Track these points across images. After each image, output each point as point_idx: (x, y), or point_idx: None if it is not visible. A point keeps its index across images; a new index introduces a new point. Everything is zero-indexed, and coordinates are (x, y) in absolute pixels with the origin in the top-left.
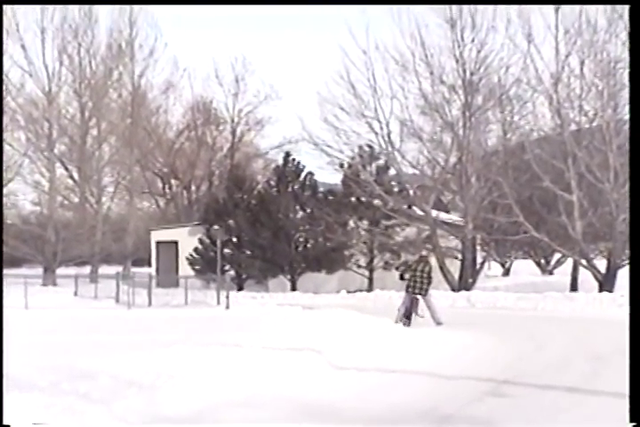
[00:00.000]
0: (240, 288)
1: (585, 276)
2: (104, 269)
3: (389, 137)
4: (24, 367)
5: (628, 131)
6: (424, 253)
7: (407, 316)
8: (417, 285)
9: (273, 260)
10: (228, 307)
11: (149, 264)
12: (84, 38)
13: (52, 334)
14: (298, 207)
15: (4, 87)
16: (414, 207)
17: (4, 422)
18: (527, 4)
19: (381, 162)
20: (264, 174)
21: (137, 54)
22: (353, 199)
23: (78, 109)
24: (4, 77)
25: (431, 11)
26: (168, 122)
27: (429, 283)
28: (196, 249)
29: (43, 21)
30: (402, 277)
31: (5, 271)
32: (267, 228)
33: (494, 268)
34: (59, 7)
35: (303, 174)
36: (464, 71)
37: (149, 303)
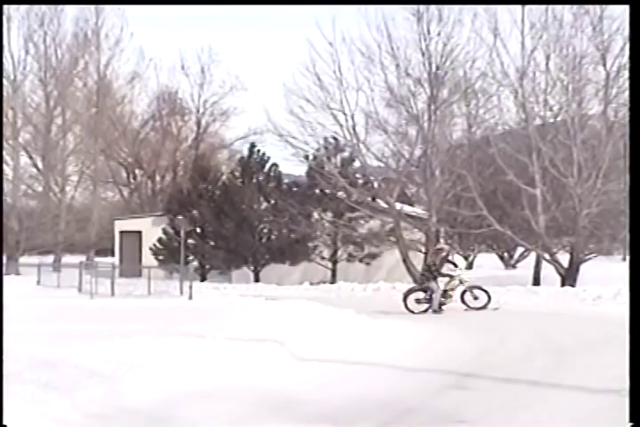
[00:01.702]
0: (203, 279)
1: (548, 270)
2: (67, 259)
3: (354, 129)
4: None
5: (628, 132)
6: (439, 245)
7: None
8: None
9: (236, 251)
10: (190, 297)
11: (113, 254)
12: (49, 27)
13: (14, 324)
14: (262, 198)
15: None
16: (378, 200)
17: (4, 423)
18: (519, 4)
19: (346, 154)
20: (229, 165)
21: (103, 44)
22: (317, 191)
23: (43, 98)
24: None
25: (397, 4)
26: (133, 112)
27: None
28: (159, 239)
29: (9, 9)
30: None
31: None
32: (231, 219)
33: (457, 261)
34: None
35: (268, 166)
36: (430, 64)
37: (112, 293)
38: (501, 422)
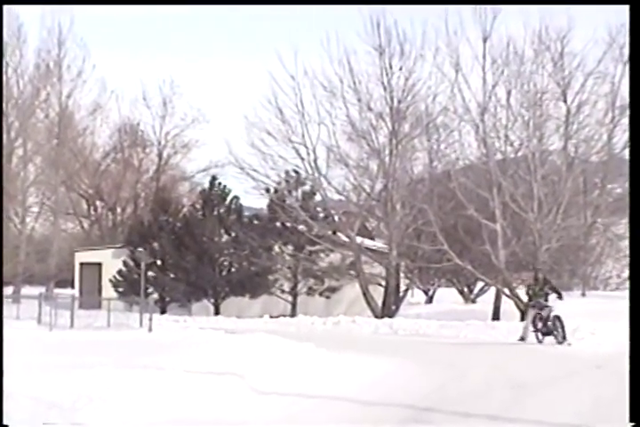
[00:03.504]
0: (163, 311)
1: (507, 305)
2: (27, 290)
3: (316, 163)
4: None
5: (629, 133)
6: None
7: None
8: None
9: (197, 283)
10: (150, 330)
11: (72, 285)
12: (12, 58)
13: None
14: (223, 231)
15: None
16: (339, 233)
17: (4, 422)
18: (526, 5)
19: (307, 187)
20: (190, 198)
21: (65, 75)
22: (278, 224)
23: (4, 129)
24: None
25: (360, 38)
26: (94, 143)
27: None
28: (119, 271)
29: None
30: (530, 297)
31: None
32: (191, 251)
33: (417, 295)
34: None
35: (229, 198)
36: (391, 99)
37: (71, 325)
38: None
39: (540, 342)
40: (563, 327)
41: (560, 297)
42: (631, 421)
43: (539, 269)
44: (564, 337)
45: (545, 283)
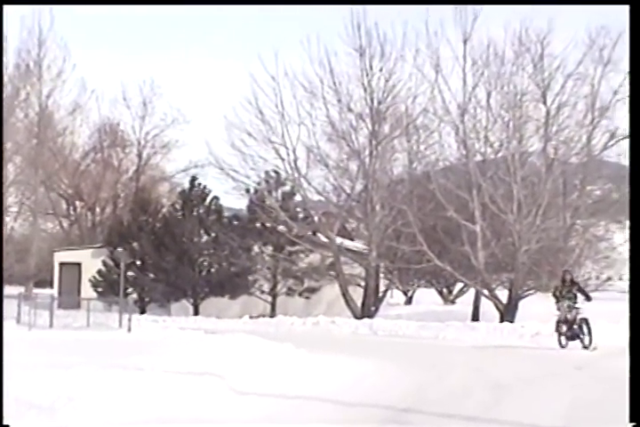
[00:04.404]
0: (143, 311)
1: (487, 306)
2: (6, 290)
3: (296, 163)
4: None
5: (629, 132)
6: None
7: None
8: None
9: (176, 284)
10: (129, 330)
11: (52, 285)
12: None
13: None
14: (203, 231)
15: None
16: (319, 234)
17: (4, 422)
18: (528, 5)
19: (287, 188)
20: (169, 198)
21: (45, 75)
22: (258, 225)
23: None
24: None
25: (340, 39)
26: (74, 143)
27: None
28: (99, 271)
29: None
30: (556, 298)
31: None
32: (171, 251)
33: (397, 296)
34: None
35: (209, 199)
36: (372, 100)
37: (51, 324)
38: None
39: (562, 346)
40: (590, 331)
41: (588, 299)
42: (631, 421)
43: (567, 270)
44: (591, 341)
45: (572, 284)
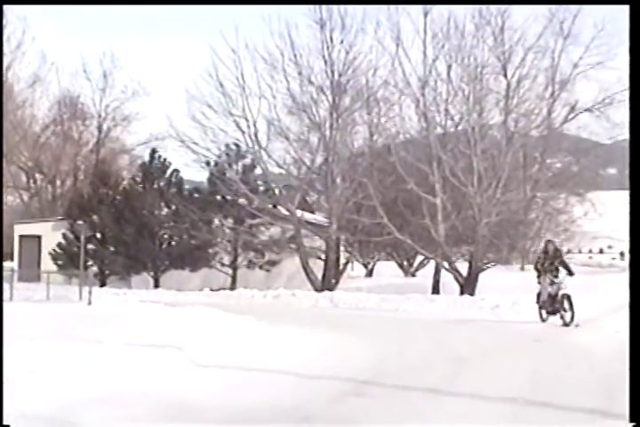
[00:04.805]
0: (103, 284)
1: (447, 278)
2: None
3: (256, 136)
4: None
5: (629, 130)
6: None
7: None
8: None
9: (136, 256)
10: (90, 303)
11: (12, 258)
12: None
13: None
14: (163, 204)
15: None
16: (279, 207)
17: (4, 423)
18: (525, 4)
19: (248, 161)
20: (130, 170)
21: (4, 47)
22: (218, 197)
23: None
24: None
25: (301, 11)
26: (34, 116)
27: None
28: (59, 244)
29: None
30: (538, 271)
31: None
32: (131, 224)
33: (357, 269)
34: None
35: (169, 171)
36: (332, 72)
37: (11, 298)
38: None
39: (543, 320)
40: (572, 307)
41: (571, 273)
42: (631, 421)
43: (549, 240)
44: (573, 318)
45: (555, 257)
